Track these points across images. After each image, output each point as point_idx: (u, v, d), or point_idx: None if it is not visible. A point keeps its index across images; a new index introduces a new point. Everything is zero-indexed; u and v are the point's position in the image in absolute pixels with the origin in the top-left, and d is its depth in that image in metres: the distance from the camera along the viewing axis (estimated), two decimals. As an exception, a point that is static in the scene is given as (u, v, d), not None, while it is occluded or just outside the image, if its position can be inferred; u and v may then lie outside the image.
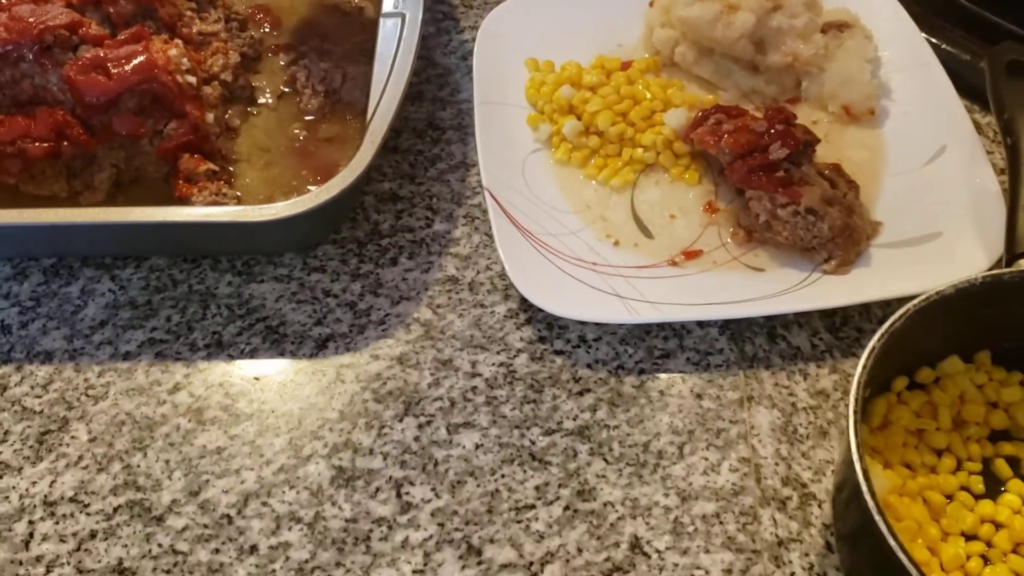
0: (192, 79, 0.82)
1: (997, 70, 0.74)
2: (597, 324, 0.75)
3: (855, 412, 0.55)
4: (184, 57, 0.82)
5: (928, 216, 0.77)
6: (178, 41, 0.84)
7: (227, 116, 0.88)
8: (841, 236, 0.74)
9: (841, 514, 0.61)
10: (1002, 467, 0.65)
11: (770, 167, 0.75)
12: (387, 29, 0.84)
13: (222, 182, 0.82)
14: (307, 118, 0.88)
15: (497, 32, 0.92)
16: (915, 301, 0.60)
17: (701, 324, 0.75)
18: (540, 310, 0.74)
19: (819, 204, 0.74)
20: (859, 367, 0.57)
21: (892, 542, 0.50)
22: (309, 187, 0.81)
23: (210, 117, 0.84)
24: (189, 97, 0.82)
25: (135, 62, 0.79)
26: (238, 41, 0.92)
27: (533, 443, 0.69)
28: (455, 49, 0.96)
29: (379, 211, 0.83)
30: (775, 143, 0.75)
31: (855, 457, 0.53)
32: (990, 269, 0.71)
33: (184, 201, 0.80)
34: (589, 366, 0.73)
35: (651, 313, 0.72)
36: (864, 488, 0.52)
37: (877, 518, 0.51)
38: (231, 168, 0.85)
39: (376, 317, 0.76)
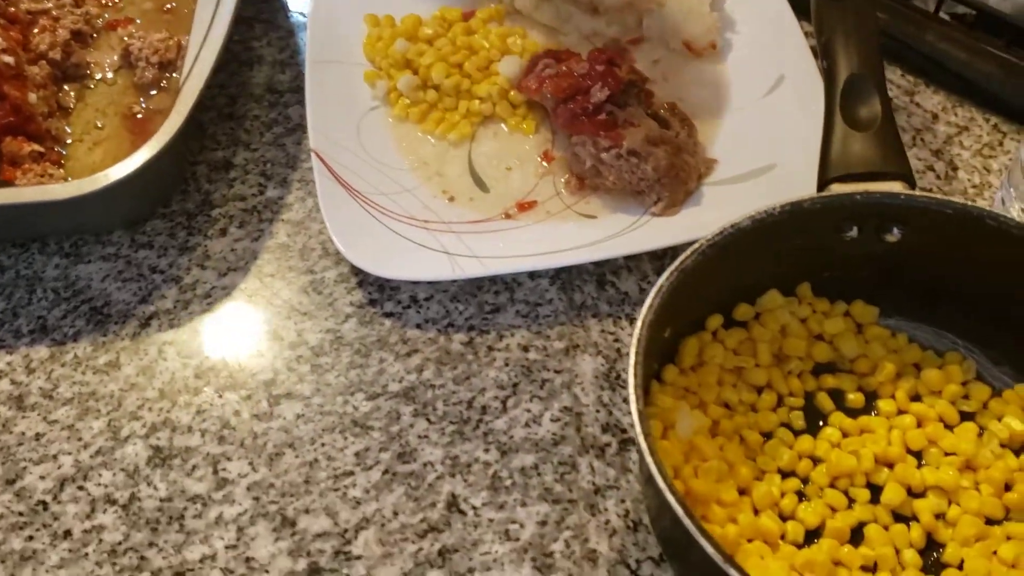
0: (9, 59, 0.80)
1: (821, -9, 0.72)
2: (429, 283, 0.73)
3: (637, 354, 0.54)
4: (-2, 37, 0.80)
5: (763, 149, 0.75)
6: (-10, 20, 0.81)
7: (60, 95, 0.86)
8: (667, 176, 0.72)
9: (639, 461, 0.59)
10: (824, 400, 0.64)
11: (593, 110, 0.73)
12: (207, -6, 0.81)
13: (48, 163, 0.80)
14: (151, 92, 0.86)
15: (335, -11, 0.89)
16: (708, 235, 0.59)
17: (533, 276, 0.73)
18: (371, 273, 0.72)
19: (642, 145, 0.71)
20: (644, 307, 0.55)
21: (662, 483, 0.49)
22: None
23: (33, 97, 0.81)
24: (8, 78, 0.80)
25: (-59, 45, 0.77)
26: (72, 17, 0.90)
27: (356, 409, 0.67)
28: (298, 10, 0.94)
29: (211, 180, 0.81)
30: (596, 85, 0.73)
31: (632, 400, 0.52)
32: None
33: (8, 185, 0.78)
34: (419, 326, 0.71)
35: (475, 268, 0.70)
36: (639, 430, 0.51)
37: (652, 467, 0.50)
38: (62, 150, 0.82)
39: (202, 291, 0.74)
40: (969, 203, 0.58)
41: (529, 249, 0.72)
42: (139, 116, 0.84)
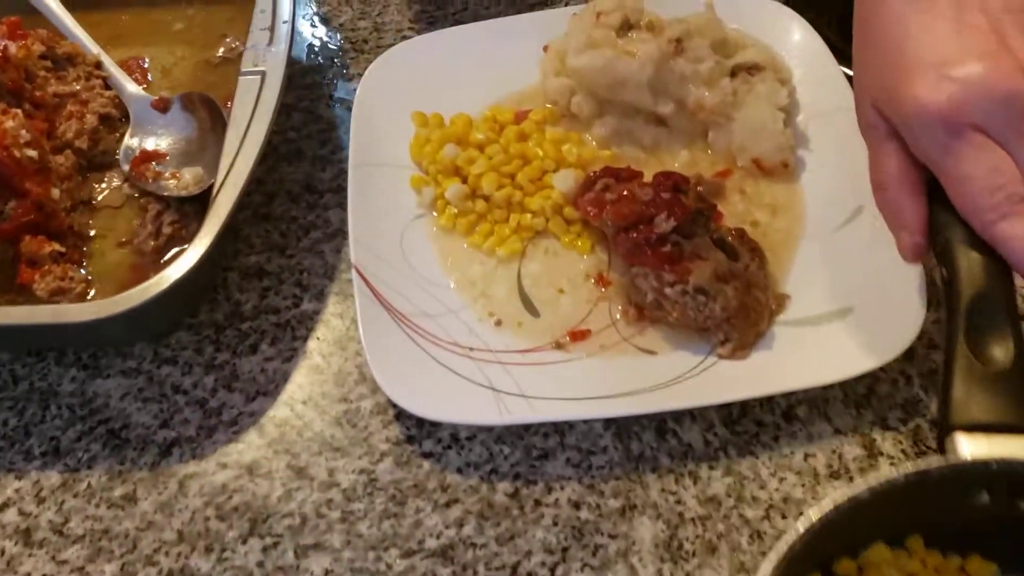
0: (33, 153, 0.75)
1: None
2: (472, 420, 0.68)
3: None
4: (23, 128, 0.75)
5: (839, 289, 0.69)
6: (16, 111, 0.76)
7: (82, 187, 0.81)
8: (737, 317, 0.66)
9: None
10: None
11: (657, 240, 0.67)
12: (245, 88, 0.76)
13: (70, 264, 0.75)
14: (176, 182, 0.81)
15: (381, 82, 0.84)
16: (819, 513, 0.51)
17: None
18: (410, 404, 0.66)
19: (710, 282, 0.66)
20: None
21: None
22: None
23: (55, 193, 0.76)
24: (30, 173, 0.75)
25: (-36, 139, 0.72)
26: (101, 100, 0.85)
27: (389, 567, 0.62)
28: (341, 99, 0.89)
29: (242, 289, 0.76)
30: (661, 214, 0.67)
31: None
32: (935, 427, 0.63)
33: (26, 288, 0.73)
34: (460, 470, 0.66)
35: (524, 412, 0.65)
36: None
37: None
38: (84, 247, 0.77)
39: (228, 416, 0.69)
40: None
41: (582, 388, 0.66)
42: (167, 210, 0.79)
